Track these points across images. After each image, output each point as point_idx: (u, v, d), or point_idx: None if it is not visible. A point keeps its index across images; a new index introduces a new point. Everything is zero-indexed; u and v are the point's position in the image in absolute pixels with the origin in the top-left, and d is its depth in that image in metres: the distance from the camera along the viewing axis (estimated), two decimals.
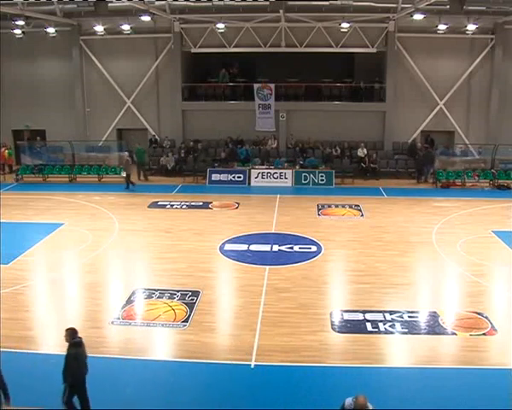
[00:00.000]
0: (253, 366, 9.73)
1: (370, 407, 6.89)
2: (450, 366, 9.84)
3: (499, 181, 24.56)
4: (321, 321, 11.42)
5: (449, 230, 18.01)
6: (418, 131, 28.19)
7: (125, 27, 25.86)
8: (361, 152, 26.29)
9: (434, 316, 11.58)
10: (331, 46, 27.13)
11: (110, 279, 14.62)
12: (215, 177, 25.34)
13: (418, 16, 23.70)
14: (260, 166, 25.69)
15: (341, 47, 27.22)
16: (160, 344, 10.93)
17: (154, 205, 21.37)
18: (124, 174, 24.01)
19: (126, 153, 24.30)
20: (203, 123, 28.59)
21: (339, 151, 26.86)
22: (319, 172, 24.94)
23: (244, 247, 16.29)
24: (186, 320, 11.42)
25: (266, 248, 16.27)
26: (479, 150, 26.83)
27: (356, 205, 21.11)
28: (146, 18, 25.11)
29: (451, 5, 21.27)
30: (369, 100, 28.14)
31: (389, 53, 27.14)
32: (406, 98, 27.52)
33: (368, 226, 18.52)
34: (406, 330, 11.01)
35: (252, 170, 25.36)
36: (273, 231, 18.00)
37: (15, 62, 28.84)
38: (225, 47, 27.59)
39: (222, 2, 25.42)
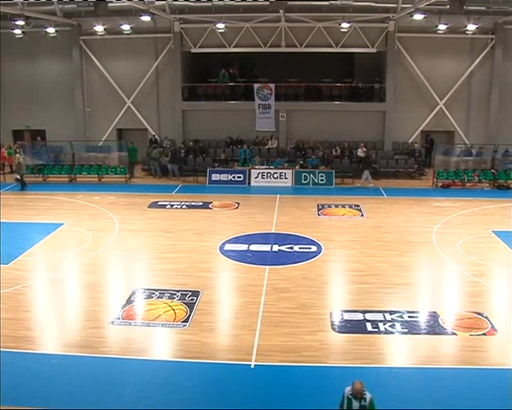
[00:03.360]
0: (253, 366, 9.73)
1: (369, 395, 7.13)
2: (450, 366, 9.84)
3: (499, 181, 24.58)
4: (321, 321, 11.41)
5: (449, 230, 18.01)
6: (418, 131, 28.22)
7: (125, 27, 25.87)
8: (361, 152, 26.27)
9: (434, 316, 11.57)
10: (331, 46, 27.16)
11: (110, 279, 14.61)
12: (215, 177, 25.33)
13: (418, 16, 23.71)
14: (260, 166, 25.69)
15: (341, 47, 27.26)
16: (160, 344, 10.92)
17: (154, 205, 21.37)
18: (17, 176, 24.09)
19: (18, 155, 24.41)
20: (203, 123, 28.59)
21: (339, 151, 26.86)
22: (319, 172, 24.93)
23: (244, 247, 16.28)
24: (186, 320, 11.42)
25: (266, 248, 16.26)
26: (479, 150, 26.83)
27: (356, 205, 21.10)
28: (146, 18, 25.11)
29: (451, 5, 21.35)
30: (369, 100, 28.19)
31: (389, 53, 27.15)
32: (406, 98, 27.54)
33: (368, 226, 18.52)
34: (406, 330, 11.00)
35: (252, 170, 25.34)
36: (273, 231, 17.99)
37: (15, 62, 28.87)
38: (225, 47, 27.60)
39: (222, 2, 25.41)
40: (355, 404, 7.12)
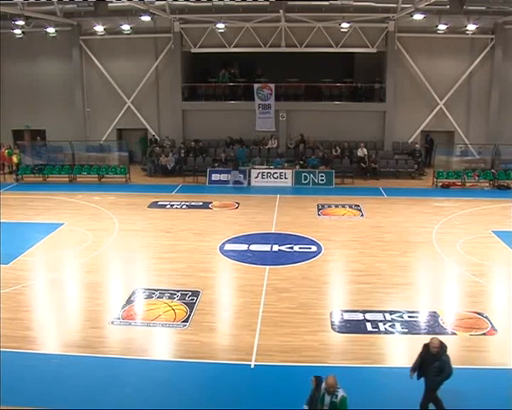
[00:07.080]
0: (253, 366, 9.73)
1: (341, 393, 7.10)
2: None
3: (499, 181, 24.58)
4: (321, 321, 11.42)
5: (449, 230, 18.01)
6: (418, 131, 28.21)
7: (125, 27, 25.84)
8: (361, 152, 26.27)
9: (434, 316, 11.58)
10: (331, 46, 27.15)
11: (110, 279, 14.62)
12: (215, 177, 25.32)
13: (418, 16, 23.70)
14: (260, 166, 25.68)
15: (341, 47, 27.25)
16: (160, 344, 10.93)
17: (154, 205, 21.37)
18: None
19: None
20: (203, 123, 28.59)
21: (339, 151, 26.86)
22: (319, 172, 24.92)
23: (244, 247, 16.29)
24: (186, 320, 11.43)
25: (266, 248, 16.26)
26: (479, 150, 26.84)
27: (356, 205, 21.10)
28: (146, 18, 25.10)
29: (451, 5, 21.34)
30: (369, 100, 28.19)
31: (389, 53, 27.15)
32: (406, 98, 27.53)
33: (368, 226, 18.52)
34: (406, 330, 11.01)
35: (252, 170, 25.35)
36: (273, 231, 17.99)
37: (15, 62, 28.84)
38: (225, 47, 27.60)
39: (222, 2, 25.42)
40: (327, 399, 7.16)
